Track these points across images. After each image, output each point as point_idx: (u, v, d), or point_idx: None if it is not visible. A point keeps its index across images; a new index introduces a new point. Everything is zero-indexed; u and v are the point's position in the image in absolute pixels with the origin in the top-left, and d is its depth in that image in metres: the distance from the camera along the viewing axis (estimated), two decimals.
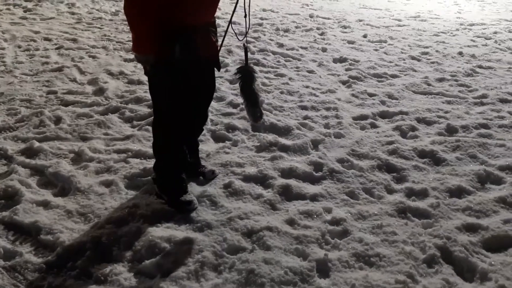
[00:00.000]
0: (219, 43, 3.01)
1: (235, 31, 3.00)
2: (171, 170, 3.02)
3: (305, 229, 2.88)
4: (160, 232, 2.76)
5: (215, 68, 3.00)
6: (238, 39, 2.92)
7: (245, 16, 2.84)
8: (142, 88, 5.00)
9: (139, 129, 4.09)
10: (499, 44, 7.40)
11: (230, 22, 2.92)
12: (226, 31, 2.96)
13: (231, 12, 3.01)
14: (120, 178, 3.32)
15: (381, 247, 2.74)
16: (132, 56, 6.02)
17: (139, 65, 5.70)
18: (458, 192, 3.37)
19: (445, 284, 2.49)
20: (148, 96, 4.62)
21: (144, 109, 4.48)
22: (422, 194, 3.33)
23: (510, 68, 6.41)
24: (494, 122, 4.60)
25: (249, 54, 6.17)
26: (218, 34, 3.02)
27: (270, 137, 3.97)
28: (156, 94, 2.83)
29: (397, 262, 2.63)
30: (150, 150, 3.52)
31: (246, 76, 2.96)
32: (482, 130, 4.39)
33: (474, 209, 3.18)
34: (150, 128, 3.96)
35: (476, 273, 2.60)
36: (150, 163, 3.43)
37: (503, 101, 5.18)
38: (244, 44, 2.97)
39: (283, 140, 3.94)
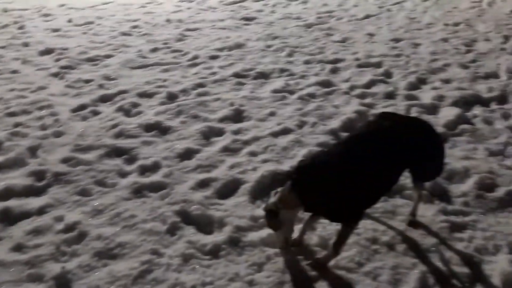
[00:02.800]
0: None
1: None
2: None
3: (37, 248, 2.56)
4: None
5: None
6: None
7: None
8: None
9: None
10: (201, 5, 7.95)
11: None
12: None
13: None
14: None
15: (122, 236, 2.65)
16: None
17: None
18: (187, 154, 3.51)
19: (188, 246, 2.56)
20: None
21: None
22: (155, 167, 3.35)
23: (213, 25, 6.98)
24: (208, 79, 4.94)
25: None
26: None
27: None
28: None
29: (140, 243, 2.58)
30: None
31: None
32: (200, 90, 4.66)
33: (204, 165, 3.36)
34: None
35: (214, 223, 2.77)
36: None
37: (213, 57, 5.61)
38: None
39: None
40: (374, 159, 2.27)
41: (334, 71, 5.11)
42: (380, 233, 2.62)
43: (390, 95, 4.43)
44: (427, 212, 2.79)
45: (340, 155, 2.28)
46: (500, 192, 2.96)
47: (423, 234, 2.62)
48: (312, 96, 4.46)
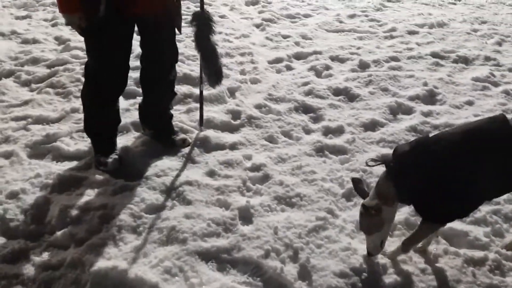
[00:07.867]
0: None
1: None
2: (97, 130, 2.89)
3: (226, 179, 2.82)
4: (71, 200, 2.58)
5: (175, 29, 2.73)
6: None
7: None
8: (39, 47, 4.56)
9: (38, 93, 3.74)
10: None
11: None
12: None
13: None
14: (20, 148, 3.03)
15: (301, 187, 2.76)
16: (25, 12, 5.48)
17: (33, 23, 5.18)
18: (372, 126, 3.46)
19: None
20: (45, 55, 4.26)
21: (42, 70, 4.09)
22: (338, 131, 3.38)
23: (416, 0, 6.60)
24: (403, 54, 4.73)
25: None
26: None
27: (184, 88, 3.80)
28: (88, 54, 2.63)
29: (317, 199, 2.66)
30: (53, 115, 3.27)
31: (201, 25, 2.70)
32: (393, 63, 4.50)
33: (387, 140, 3.28)
34: (50, 90, 3.66)
35: None
36: (54, 129, 3.17)
37: (411, 33, 5.34)
38: None
39: (197, 91, 3.78)
40: (489, 159, 1.90)
41: None
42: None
43: None
44: None
45: (450, 145, 1.93)
46: None
47: None
48: None
